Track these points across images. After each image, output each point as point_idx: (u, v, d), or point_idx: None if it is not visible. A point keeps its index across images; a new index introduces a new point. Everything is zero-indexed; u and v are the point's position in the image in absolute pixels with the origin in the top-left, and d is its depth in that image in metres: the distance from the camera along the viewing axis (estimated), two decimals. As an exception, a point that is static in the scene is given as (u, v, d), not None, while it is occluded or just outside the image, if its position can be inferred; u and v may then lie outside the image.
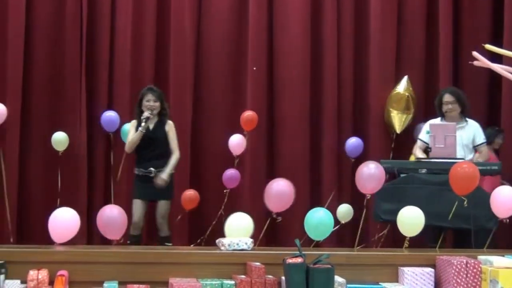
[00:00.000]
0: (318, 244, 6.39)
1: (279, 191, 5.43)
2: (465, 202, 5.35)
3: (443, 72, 7.81)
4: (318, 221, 5.09)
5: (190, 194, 7.23)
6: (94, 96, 7.59)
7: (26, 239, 7.01)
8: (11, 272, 4.39)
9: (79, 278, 4.47)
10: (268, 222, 5.91)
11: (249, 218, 5.01)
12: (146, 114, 6.55)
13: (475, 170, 5.43)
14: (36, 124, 7.46)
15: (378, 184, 5.50)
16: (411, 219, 5.21)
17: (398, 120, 7.61)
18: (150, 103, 6.60)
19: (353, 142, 7.54)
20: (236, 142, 7.34)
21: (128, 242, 6.31)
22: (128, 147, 6.68)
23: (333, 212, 5.69)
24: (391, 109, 7.64)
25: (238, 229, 4.96)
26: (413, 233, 5.25)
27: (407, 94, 7.62)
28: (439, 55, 7.87)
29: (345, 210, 7.20)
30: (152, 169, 6.53)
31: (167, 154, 6.62)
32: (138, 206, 6.58)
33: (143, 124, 6.51)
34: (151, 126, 6.62)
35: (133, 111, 6.84)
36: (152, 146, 6.58)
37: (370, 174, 5.51)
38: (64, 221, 4.93)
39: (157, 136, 6.60)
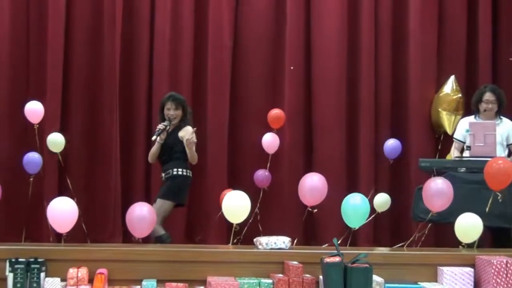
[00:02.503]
0: (356, 244, 6.37)
1: (313, 185, 5.45)
2: (499, 197, 5.29)
3: (482, 69, 7.73)
4: (354, 206, 5.09)
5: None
6: (133, 97, 7.64)
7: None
8: (51, 270, 4.45)
9: (118, 276, 4.52)
10: (305, 215, 5.91)
11: (246, 196, 5.10)
12: (160, 126, 6.45)
13: (510, 165, 5.39)
14: (75, 123, 7.54)
15: (447, 201, 5.32)
16: (469, 226, 5.16)
17: (448, 121, 7.48)
18: (170, 111, 6.48)
19: (391, 144, 7.44)
20: (269, 141, 7.34)
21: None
22: (149, 158, 6.68)
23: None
24: (440, 110, 7.53)
25: (235, 208, 5.13)
26: (470, 240, 5.19)
27: (458, 95, 7.51)
28: (479, 52, 7.78)
29: (382, 200, 7.16)
30: (162, 174, 6.51)
31: (177, 156, 6.45)
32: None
33: (154, 137, 6.44)
34: (169, 131, 6.56)
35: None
36: (163, 151, 6.50)
37: (438, 190, 5.40)
38: (63, 211, 4.91)
39: (167, 142, 6.49)
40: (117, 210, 7.36)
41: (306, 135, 7.78)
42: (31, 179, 6.95)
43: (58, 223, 4.91)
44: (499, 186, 5.38)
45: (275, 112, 7.45)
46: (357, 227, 5.26)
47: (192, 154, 6.37)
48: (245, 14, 7.88)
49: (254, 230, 6.89)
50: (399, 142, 7.41)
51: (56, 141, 6.98)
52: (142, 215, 5.04)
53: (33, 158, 6.89)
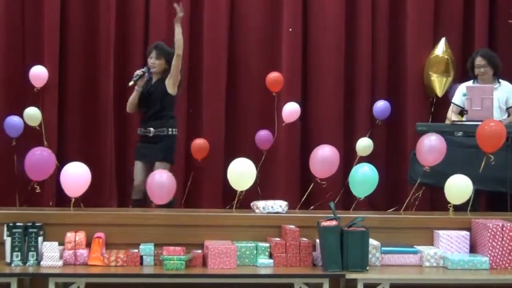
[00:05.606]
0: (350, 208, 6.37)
1: (325, 157, 5.46)
2: (491, 160, 5.32)
3: (479, 32, 7.68)
4: (363, 176, 5.19)
5: (199, 142, 7.17)
6: (128, 62, 7.54)
7: (66, 201, 7.08)
8: (49, 234, 4.48)
9: (115, 240, 4.55)
10: (311, 186, 5.92)
11: (251, 164, 5.20)
12: (138, 71, 6.33)
13: (502, 128, 5.43)
14: (71, 89, 7.49)
15: (440, 155, 5.41)
16: (459, 187, 5.19)
17: (439, 83, 7.44)
18: (151, 60, 6.34)
19: (381, 105, 7.41)
20: (290, 110, 7.29)
21: (131, 206, 6.26)
22: (127, 107, 6.51)
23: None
24: (430, 73, 7.48)
25: (240, 175, 5.21)
26: (460, 201, 5.22)
27: (446, 57, 7.44)
28: (476, 15, 7.73)
29: (365, 144, 7.18)
30: (151, 129, 6.26)
31: (167, 113, 6.33)
32: (138, 168, 6.33)
33: (131, 82, 6.30)
34: (152, 83, 6.39)
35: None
36: (150, 104, 6.31)
37: (431, 146, 5.43)
38: (75, 175, 5.04)
39: (153, 92, 6.31)
40: (112, 175, 7.35)
41: (302, 100, 7.74)
42: (14, 143, 6.93)
43: (71, 187, 5.01)
44: (492, 148, 5.39)
45: (274, 75, 7.36)
46: (362, 197, 5.30)
47: (179, 36, 6.25)
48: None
49: (252, 194, 6.91)
50: (389, 104, 7.39)
51: (33, 115, 6.96)
52: (161, 181, 5.16)
53: (14, 122, 6.88)
